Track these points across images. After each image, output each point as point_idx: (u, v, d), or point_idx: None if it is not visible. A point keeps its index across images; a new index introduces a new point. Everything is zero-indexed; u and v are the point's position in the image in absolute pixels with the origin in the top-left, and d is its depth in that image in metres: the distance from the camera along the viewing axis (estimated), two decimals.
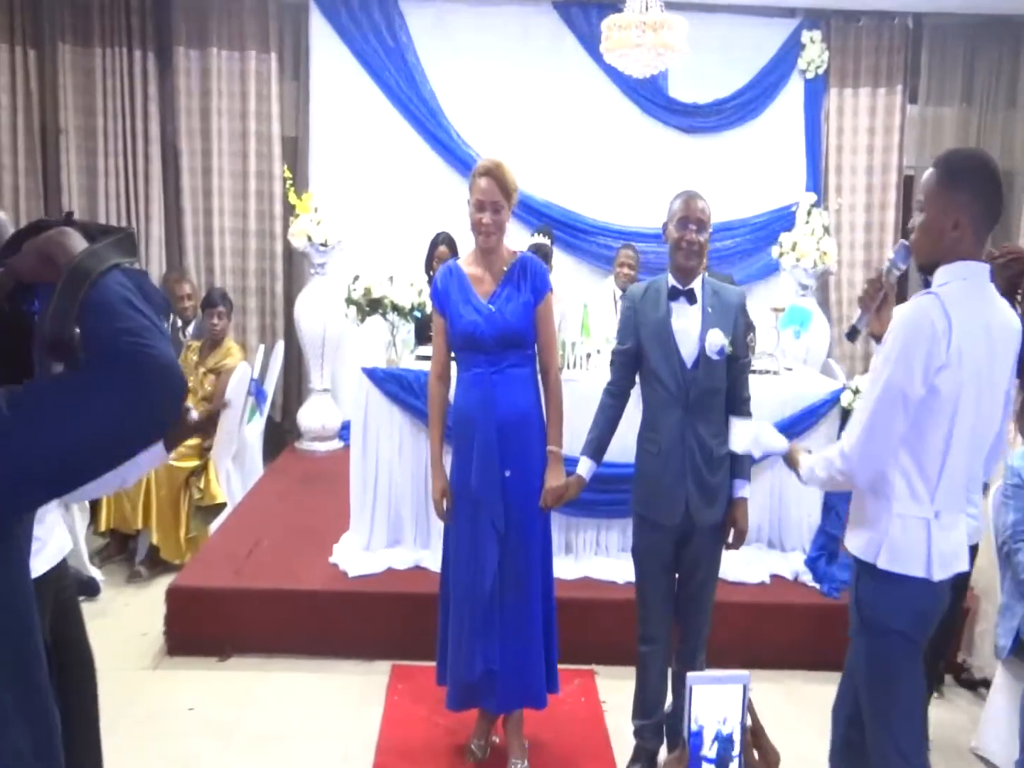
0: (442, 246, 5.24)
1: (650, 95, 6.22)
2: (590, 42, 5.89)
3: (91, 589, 4.06)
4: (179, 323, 5.45)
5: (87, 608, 2.45)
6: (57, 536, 2.16)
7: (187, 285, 5.59)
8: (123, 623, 3.86)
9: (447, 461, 2.86)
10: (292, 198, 5.69)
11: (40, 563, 2.00)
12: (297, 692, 3.39)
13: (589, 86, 6.23)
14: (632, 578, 2.91)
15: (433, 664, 3.00)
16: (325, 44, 6.16)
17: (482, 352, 2.71)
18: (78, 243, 1.03)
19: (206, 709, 3.26)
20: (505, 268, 2.75)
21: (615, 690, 3.29)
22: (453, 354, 2.84)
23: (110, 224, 1.11)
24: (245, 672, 3.53)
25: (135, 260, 1.08)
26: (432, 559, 3.77)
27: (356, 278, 4.26)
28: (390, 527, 3.99)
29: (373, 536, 3.97)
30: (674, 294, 2.70)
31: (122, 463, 1.02)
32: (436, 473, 2.83)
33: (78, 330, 0.97)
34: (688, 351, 2.67)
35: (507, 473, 2.72)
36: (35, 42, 5.98)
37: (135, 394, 0.97)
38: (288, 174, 5.79)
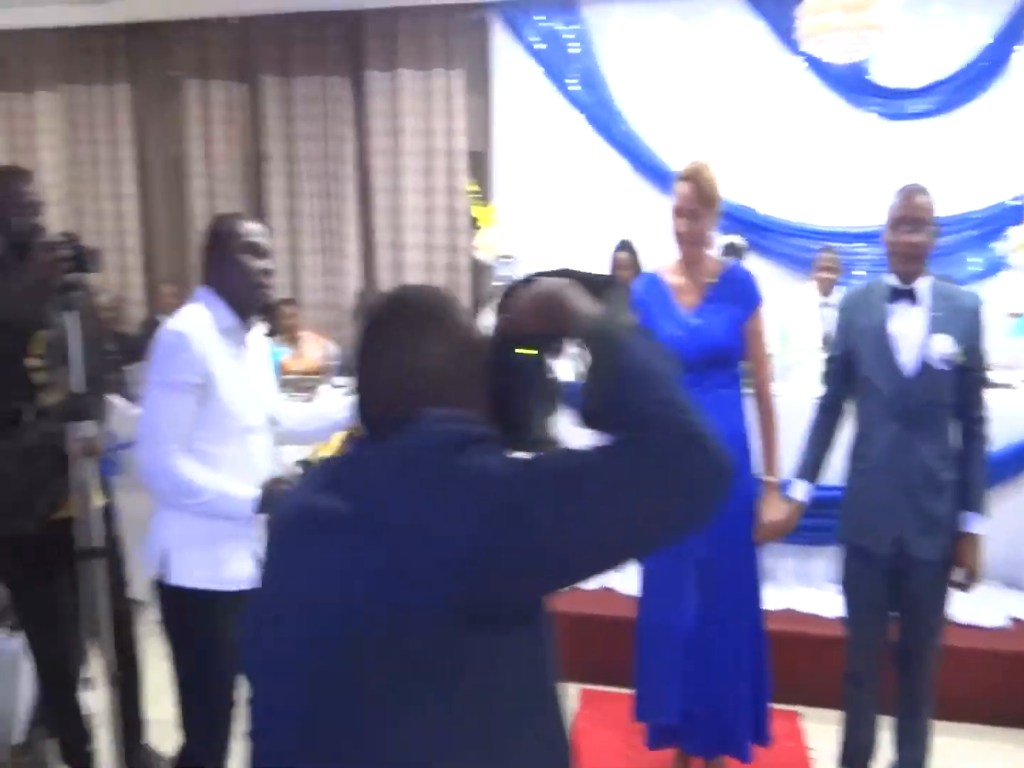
0: (620, 253, 5.10)
1: (853, 81, 5.72)
2: (784, 30, 5.53)
3: None
4: None
5: None
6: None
7: None
8: None
9: None
10: (475, 211, 5.73)
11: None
12: None
13: (784, 77, 5.83)
14: (840, 612, 2.65)
15: (622, 691, 2.87)
16: (508, 56, 6.16)
17: (684, 370, 2.52)
18: (583, 301, 1.03)
19: None
20: (711, 279, 2.55)
21: (823, 735, 3.01)
22: None
23: (594, 273, 1.12)
24: None
25: (629, 312, 1.06)
26: (620, 580, 3.63)
27: None
28: None
29: None
30: (894, 295, 2.42)
31: (662, 545, 0.98)
32: None
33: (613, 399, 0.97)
34: (908, 357, 2.38)
35: None
36: (243, 76, 6.43)
37: (673, 470, 0.92)
38: (474, 187, 5.83)
